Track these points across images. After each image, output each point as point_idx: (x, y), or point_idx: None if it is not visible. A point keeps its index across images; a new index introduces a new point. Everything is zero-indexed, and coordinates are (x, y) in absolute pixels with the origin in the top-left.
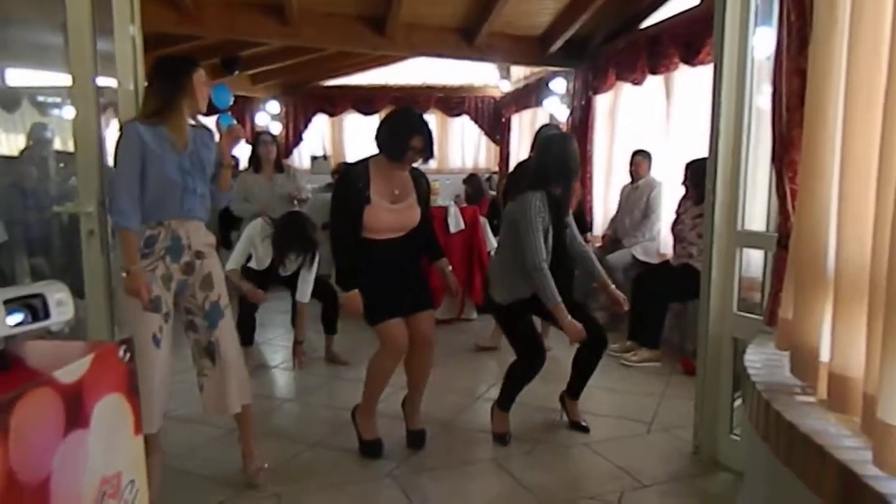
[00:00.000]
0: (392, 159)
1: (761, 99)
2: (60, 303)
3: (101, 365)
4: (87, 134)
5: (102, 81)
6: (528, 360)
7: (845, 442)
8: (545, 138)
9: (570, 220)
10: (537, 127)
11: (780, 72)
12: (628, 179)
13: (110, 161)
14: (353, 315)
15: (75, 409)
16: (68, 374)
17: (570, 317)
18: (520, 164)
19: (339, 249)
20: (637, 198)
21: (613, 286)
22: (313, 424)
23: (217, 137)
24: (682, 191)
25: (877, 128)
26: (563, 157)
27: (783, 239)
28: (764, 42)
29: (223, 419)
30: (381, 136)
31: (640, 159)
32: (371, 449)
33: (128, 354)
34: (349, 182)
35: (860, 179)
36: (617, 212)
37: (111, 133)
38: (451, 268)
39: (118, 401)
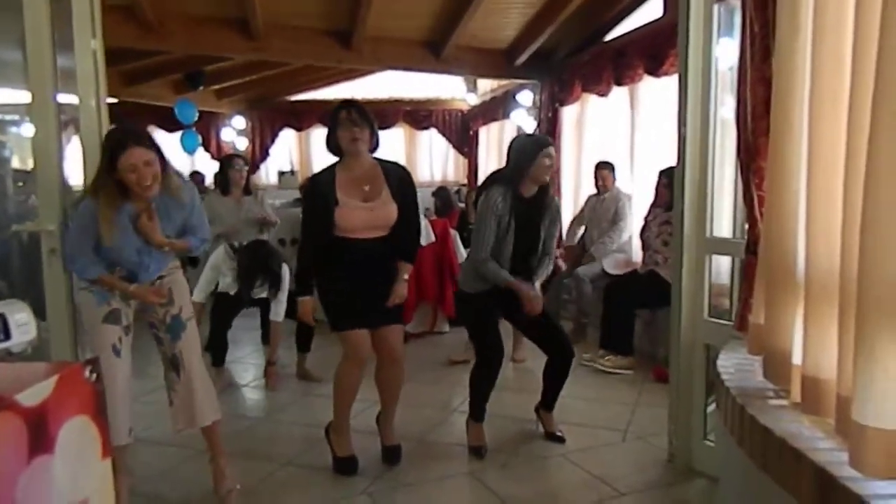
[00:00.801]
0: (338, 151)
1: (725, 109)
2: (21, 323)
3: (67, 386)
4: (48, 151)
5: (64, 98)
6: (485, 358)
7: (820, 444)
8: (512, 140)
9: (550, 227)
10: (505, 139)
11: (745, 81)
12: (594, 191)
13: (73, 180)
14: (304, 318)
15: (39, 434)
16: (31, 397)
17: (527, 285)
18: (490, 175)
19: (304, 252)
20: (604, 210)
21: (535, 292)
22: (286, 443)
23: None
24: (649, 198)
25: (842, 132)
26: (518, 152)
27: (751, 245)
28: (727, 52)
29: (193, 439)
30: (327, 135)
31: (605, 172)
32: (345, 466)
33: (94, 375)
34: (316, 188)
35: (827, 184)
36: (575, 218)
37: (73, 150)
38: (407, 277)
39: (85, 423)
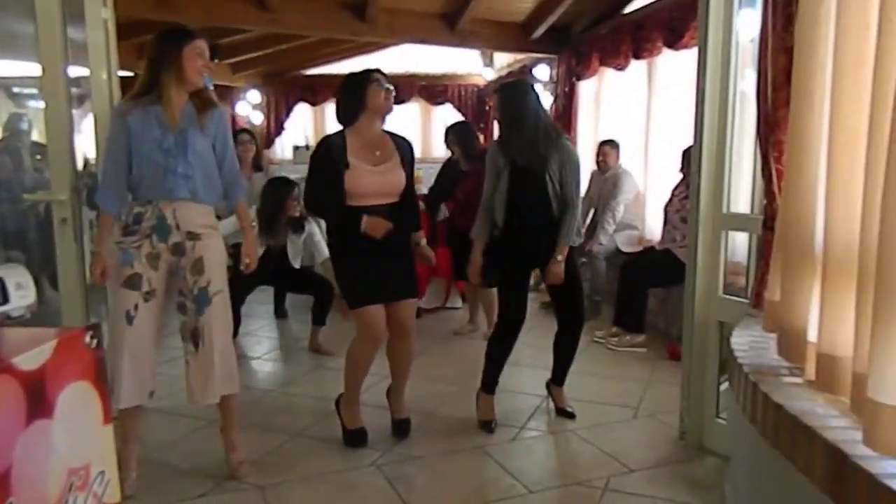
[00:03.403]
0: (352, 118)
1: (745, 83)
2: (20, 286)
3: (66, 351)
4: (59, 123)
5: (76, 71)
6: (501, 319)
7: (834, 422)
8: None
9: (562, 172)
10: None
11: (766, 51)
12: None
13: (88, 150)
14: (377, 231)
15: (38, 398)
16: (29, 361)
17: (477, 255)
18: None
19: (318, 211)
20: (609, 187)
21: (560, 259)
22: (296, 415)
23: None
24: (666, 173)
25: (865, 104)
26: (501, 103)
27: (769, 220)
28: (748, 24)
29: (205, 410)
30: (345, 99)
31: (608, 149)
32: (355, 438)
33: (94, 340)
34: (326, 150)
35: (848, 157)
36: (583, 200)
37: (88, 122)
38: (425, 240)
39: (85, 388)
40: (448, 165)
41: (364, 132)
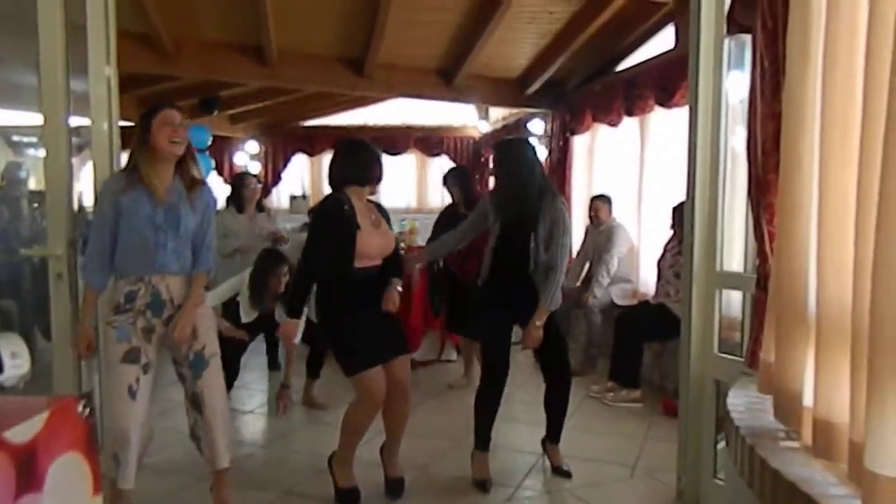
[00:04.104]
0: (366, 183)
1: (736, 140)
2: (15, 356)
3: (58, 422)
4: (58, 174)
5: (77, 121)
6: (485, 371)
7: (832, 490)
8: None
9: (541, 233)
10: None
11: (755, 116)
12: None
13: (87, 202)
14: (287, 341)
15: (28, 472)
16: (21, 434)
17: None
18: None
19: (303, 276)
20: (602, 241)
21: (538, 324)
22: (287, 471)
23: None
24: (658, 228)
25: (853, 169)
26: (498, 159)
27: (762, 281)
28: (738, 85)
29: (195, 467)
30: (350, 165)
31: (599, 203)
32: (347, 498)
33: (87, 410)
34: (334, 209)
35: (838, 222)
36: (579, 253)
37: (87, 174)
38: (400, 288)
39: (76, 460)
40: (446, 213)
41: (360, 196)
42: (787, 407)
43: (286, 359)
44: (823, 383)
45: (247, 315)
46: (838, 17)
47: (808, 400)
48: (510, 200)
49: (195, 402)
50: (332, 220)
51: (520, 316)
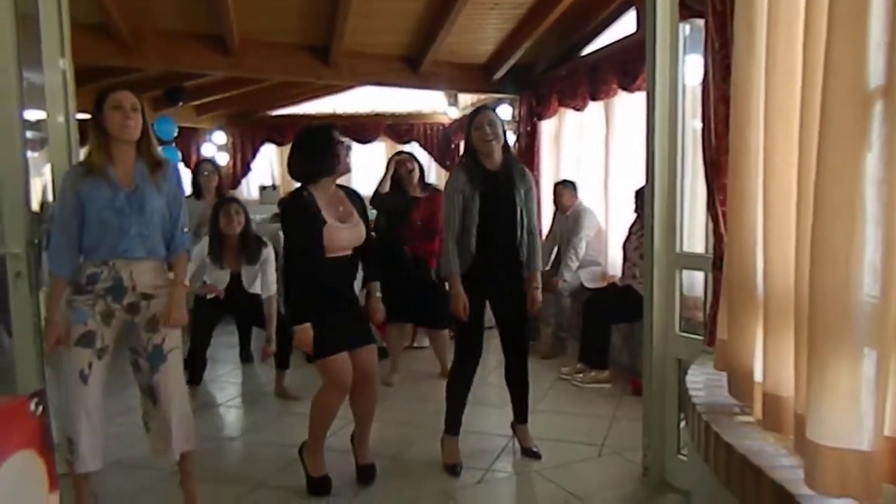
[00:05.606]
0: (327, 174)
1: (697, 123)
2: None
3: (9, 422)
4: (12, 171)
5: (34, 115)
6: (458, 355)
7: (781, 461)
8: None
9: (526, 198)
10: None
11: (708, 99)
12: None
13: (48, 197)
14: (305, 348)
15: None
16: None
17: (460, 288)
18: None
19: (298, 275)
20: (570, 226)
21: (536, 286)
22: (259, 463)
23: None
24: (624, 211)
25: (795, 154)
26: (469, 125)
27: (718, 261)
28: (695, 69)
29: (164, 462)
30: (308, 158)
31: (561, 189)
32: (319, 487)
33: (40, 408)
34: (303, 207)
35: (781, 204)
36: (547, 237)
37: (47, 168)
38: (379, 294)
39: (29, 458)
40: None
41: (326, 189)
42: (740, 383)
43: (266, 313)
44: (771, 359)
45: (217, 279)
46: (779, 1)
47: (758, 375)
48: (491, 170)
49: (150, 394)
50: (298, 217)
51: (497, 292)
